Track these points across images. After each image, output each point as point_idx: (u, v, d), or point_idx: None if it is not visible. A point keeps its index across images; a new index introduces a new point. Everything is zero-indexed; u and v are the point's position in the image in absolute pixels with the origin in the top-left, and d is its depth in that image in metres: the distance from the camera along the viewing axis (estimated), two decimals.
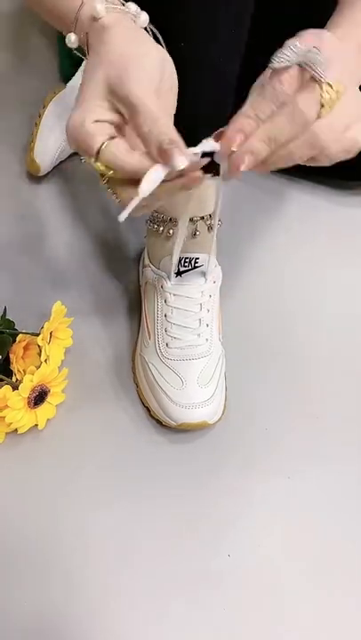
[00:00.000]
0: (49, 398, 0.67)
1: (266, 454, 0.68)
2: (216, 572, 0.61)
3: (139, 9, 0.49)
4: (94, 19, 0.47)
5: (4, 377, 0.67)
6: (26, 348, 0.70)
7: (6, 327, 0.70)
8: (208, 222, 0.67)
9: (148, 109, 0.43)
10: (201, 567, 0.62)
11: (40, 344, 0.66)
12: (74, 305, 0.72)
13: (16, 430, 0.65)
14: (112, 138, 0.44)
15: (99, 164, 0.44)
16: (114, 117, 0.45)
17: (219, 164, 0.55)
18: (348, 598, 0.60)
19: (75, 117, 0.45)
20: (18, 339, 0.68)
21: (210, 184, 0.66)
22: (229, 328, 0.74)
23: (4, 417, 0.64)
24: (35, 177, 0.87)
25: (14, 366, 0.68)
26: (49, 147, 0.84)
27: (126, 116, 0.45)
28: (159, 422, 0.68)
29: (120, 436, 0.69)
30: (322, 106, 0.45)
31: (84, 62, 0.53)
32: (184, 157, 0.41)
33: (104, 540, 0.63)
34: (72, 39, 0.49)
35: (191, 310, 0.68)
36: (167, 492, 0.66)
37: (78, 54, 0.51)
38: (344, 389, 0.73)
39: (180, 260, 0.68)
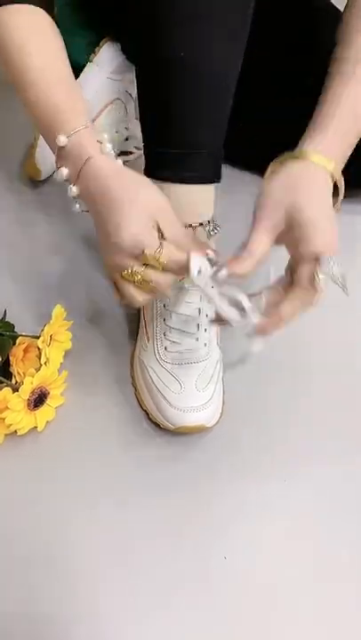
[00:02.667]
0: (48, 400, 0.68)
1: (263, 458, 0.69)
2: (213, 574, 0.61)
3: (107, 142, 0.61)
4: (88, 159, 0.58)
5: (3, 379, 0.67)
6: (25, 351, 0.70)
7: (6, 330, 0.70)
8: (207, 228, 0.68)
9: (180, 242, 0.59)
10: (198, 568, 0.62)
11: (40, 346, 0.67)
12: (73, 308, 0.72)
13: (15, 432, 0.65)
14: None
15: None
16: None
17: None
18: (349, 598, 0.61)
19: (130, 229, 0.57)
20: (18, 341, 0.69)
21: (210, 190, 0.67)
22: (227, 333, 0.74)
23: (4, 419, 0.64)
24: (35, 180, 0.88)
25: (14, 368, 0.69)
26: (50, 152, 0.85)
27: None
28: (157, 425, 0.68)
29: (118, 439, 0.69)
30: None
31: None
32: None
33: (102, 541, 0.63)
34: (64, 174, 0.61)
35: (190, 315, 0.69)
36: (165, 494, 0.66)
37: None
38: (342, 393, 0.74)
39: None
